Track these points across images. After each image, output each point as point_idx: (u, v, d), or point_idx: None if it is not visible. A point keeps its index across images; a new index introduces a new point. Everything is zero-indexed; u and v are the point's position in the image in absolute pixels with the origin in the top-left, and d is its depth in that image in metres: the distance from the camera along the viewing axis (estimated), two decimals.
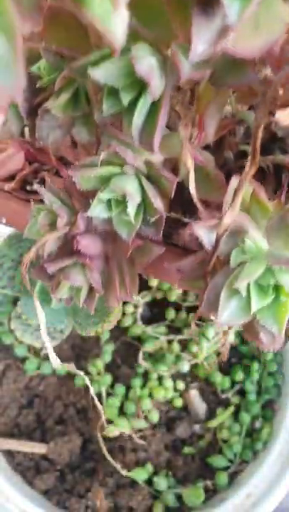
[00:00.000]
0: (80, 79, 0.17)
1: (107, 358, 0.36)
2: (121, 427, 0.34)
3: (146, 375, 0.37)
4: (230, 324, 0.17)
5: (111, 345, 0.37)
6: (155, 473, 0.34)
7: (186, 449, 0.35)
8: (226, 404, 0.38)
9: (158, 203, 0.17)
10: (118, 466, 0.33)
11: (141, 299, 0.40)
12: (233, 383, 0.38)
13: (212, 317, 0.16)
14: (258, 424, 0.36)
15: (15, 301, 0.40)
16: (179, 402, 0.36)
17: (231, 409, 0.36)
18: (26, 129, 0.22)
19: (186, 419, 0.36)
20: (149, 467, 0.34)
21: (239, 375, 0.37)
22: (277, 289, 0.15)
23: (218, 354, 0.39)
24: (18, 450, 0.35)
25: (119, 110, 0.15)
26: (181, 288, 0.28)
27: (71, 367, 0.25)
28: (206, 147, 0.19)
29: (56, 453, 0.34)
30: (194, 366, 0.38)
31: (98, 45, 0.15)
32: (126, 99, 0.15)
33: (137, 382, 0.36)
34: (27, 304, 0.33)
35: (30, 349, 0.38)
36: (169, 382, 0.36)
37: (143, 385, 0.37)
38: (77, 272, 0.19)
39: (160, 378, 0.37)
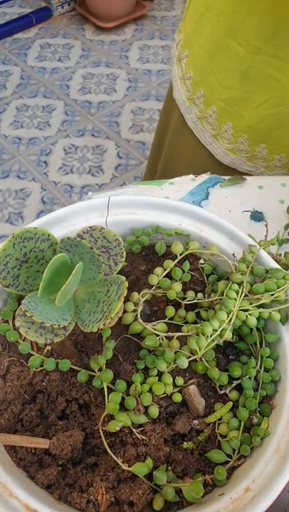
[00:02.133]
0: None
1: (109, 354, 0.37)
2: (122, 422, 0.34)
3: (146, 371, 0.38)
4: None
5: (112, 342, 0.38)
6: (155, 467, 0.35)
7: (186, 444, 0.36)
8: (224, 399, 0.39)
9: None
10: (119, 461, 0.34)
11: (141, 298, 0.40)
12: (231, 379, 0.39)
13: None
14: (255, 420, 0.36)
15: (19, 300, 0.40)
16: (178, 398, 0.37)
17: (229, 404, 0.37)
18: None
19: (186, 414, 0.37)
20: (149, 462, 0.35)
21: (237, 372, 0.38)
22: None
23: (216, 350, 0.40)
24: (21, 445, 0.35)
25: None
26: None
27: None
28: None
29: (58, 448, 0.35)
30: (193, 362, 0.39)
31: None
32: None
33: (137, 378, 0.37)
34: (31, 302, 0.34)
35: (34, 346, 0.39)
36: (168, 378, 0.37)
37: (143, 381, 0.38)
38: None
39: (160, 374, 0.38)
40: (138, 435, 0.35)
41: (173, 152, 0.79)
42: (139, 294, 0.41)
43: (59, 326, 0.33)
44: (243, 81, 0.56)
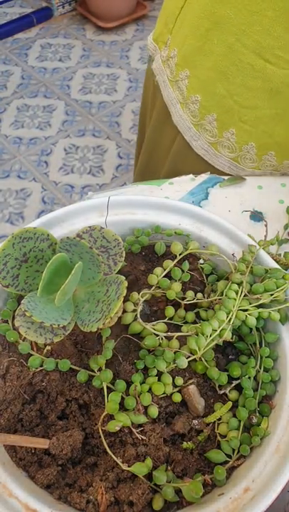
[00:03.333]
0: None
1: (108, 354, 0.37)
2: (121, 422, 0.34)
3: (146, 371, 0.38)
4: None
5: (112, 342, 0.38)
6: (155, 467, 0.35)
7: (185, 444, 0.36)
8: (223, 399, 0.38)
9: None
10: (119, 461, 0.34)
11: (141, 298, 0.40)
12: (231, 379, 0.39)
13: None
14: (255, 420, 0.36)
15: (19, 299, 0.41)
16: (177, 398, 0.37)
17: (229, 404, 0.37)
18: None
19: (185, 414, 0.37)
20: (149, 462, 0.35)
21: (236, 371, 0.38)
22: None
23: (216, 350, 0.40)
24: (20, 445, 0.35)
25: None
26: None
27: None
28: None
29: (58, 448, 0.35)
30: (193, 362, 0.39)
31: None
32: None
33: (137, 378, 0.37)
34: (31, 301, 0.34)
35: (34, 346, 0.39)
36: (168, 378, 0.37)
37: (143, 381, 0.38)
38: None
39: (159, 374, 0.38)
40: (138, 435, 0.35)
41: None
42: (138, 293, 0.41)
43: (58, 325, 0.33)
44: (271, 99, 0.52)
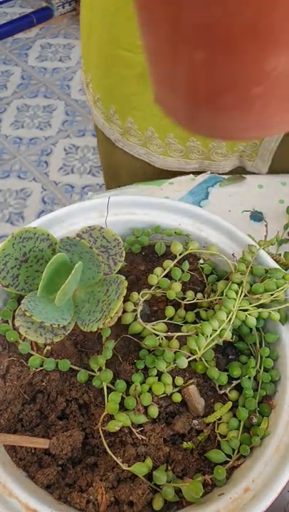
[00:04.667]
0: None
1: (108, 354, 0.37)
2: (122, 422, 0.34)
3: (146, 371, 0.38)
4: None
5: (112, 342, 0.38)
6: (155, 467, 0.35)
7: (185, 444, 0.36)
8: (223, 399, 0.38)
9: None
10: (119, 461, 0.34)
11: (141, 298, 0.40)
12: (231, 379, 0.39)
13: None
14: (255, 420, 0.36)
15: (19, 299, 0.41)
16: (177, 398, 0.37)
17: (229, 404, 0.37)
18: None
19: (185, 414, 0.37)
20: (149, 461, 0.35)
21: (236, 371, 0.38)
22: None
23: (216, 350, 0.40)
24: (20, 445, 0.35)
25: None
26: None
27: None
28: None
29: (58, 448, 0.35)
30: (193, 362, 0.39)
31: None
32: None
33: (137, 378, 0.37)
34: (31, 301, 0.34)
35: (34, 346, 0.39)
36: (168, 378, 0.37)
37: (143, 381, 0.38)
38: None
39: (159, 374, 0.38)
40: (138, 435, 0.35)
41: (115, 171, 0.76)
42: (138, 293, 0.41)
43: (59, 325, 0.33)
44: (142, 83, 0.56)
